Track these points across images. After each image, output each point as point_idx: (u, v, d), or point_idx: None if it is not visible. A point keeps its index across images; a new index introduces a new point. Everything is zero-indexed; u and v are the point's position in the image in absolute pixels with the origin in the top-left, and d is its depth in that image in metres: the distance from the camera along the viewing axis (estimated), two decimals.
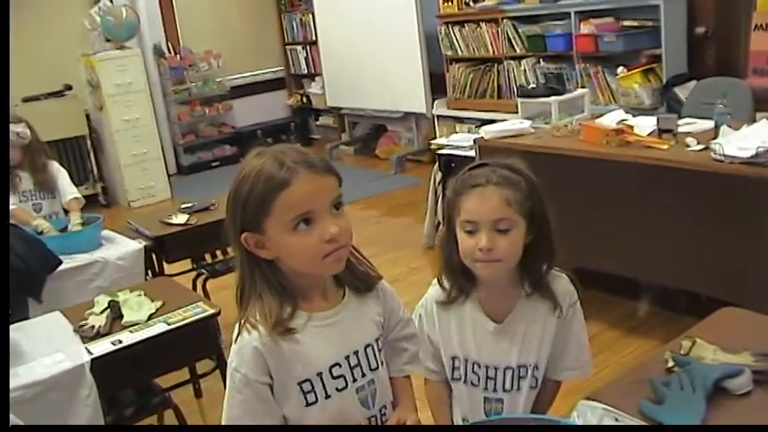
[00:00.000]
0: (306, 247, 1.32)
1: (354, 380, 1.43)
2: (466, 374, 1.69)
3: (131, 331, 2.37)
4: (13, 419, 1.77)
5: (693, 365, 1.64)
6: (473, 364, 1.67)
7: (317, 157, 1.35)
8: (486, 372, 1.66)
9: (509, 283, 1.65)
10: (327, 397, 1.39)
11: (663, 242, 3.29)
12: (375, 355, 1.46)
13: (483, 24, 6.28)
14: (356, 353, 1.43)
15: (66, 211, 3.71)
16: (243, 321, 1.36)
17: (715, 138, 3.18)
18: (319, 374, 1.38)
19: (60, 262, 3.12)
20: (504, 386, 1.66)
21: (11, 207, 3.47)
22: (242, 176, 1.33)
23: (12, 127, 3.57)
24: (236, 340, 1.37)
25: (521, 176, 1.60)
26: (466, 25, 6.45)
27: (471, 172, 1.60)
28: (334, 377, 1.40)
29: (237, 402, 1.35)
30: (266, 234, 1.33)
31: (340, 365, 1.40)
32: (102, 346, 2.29)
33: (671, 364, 1.69)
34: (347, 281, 1.46)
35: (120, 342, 2.31)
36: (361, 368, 1.44)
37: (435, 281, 1.71)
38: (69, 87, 7.22)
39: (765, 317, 1.94)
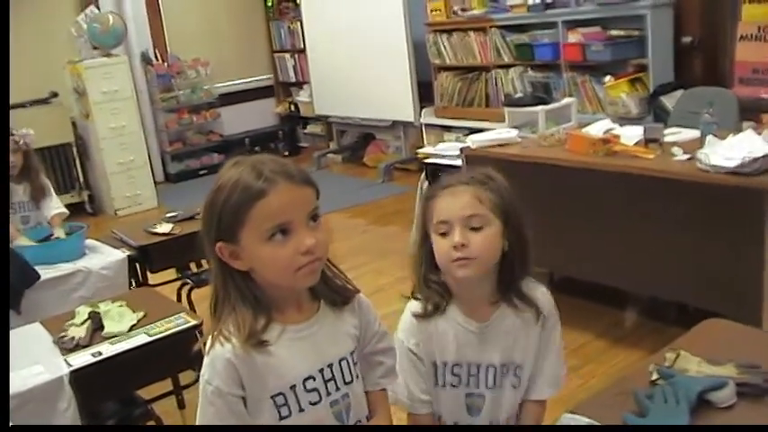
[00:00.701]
0: (280, 258, 1.30)
1: (329, 393, 1.41)
2: (445, 378, 1.65)
3: (112, 343, 2.35)
4: None
5: (677, 378, 1.63)
6: (453, 366, 1.64)
7: (296, 168, 1.34)
8: (468, 369, 1.64)
9: (488, 292, 1.62)
10: (301, 410, 1.37)
11: (649, 252, 3.29)
12: (350, 369, 1.44)
13: (471, 33, 6.28)
14: (330, 366, 1.41)
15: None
16: (216, 333, 1.34)
17: (701, 147, 3.17)
18: (293, 387, 1.36)
19: (38, 277, 3.08)
20: (486, 383, 1.64)
21: None
22: (218, 186, 1.32)
23: (24, 131, 3.55)
24: (208, 352, 1.34)
25: (493, 180, 1.60)
26: (454, 33, 6.45)
27: (442, 178, 1.64)
28: (307, 390, 1.38)
29: (210, 415, 1.33)
30: (241, 244, 1.31)
31: (314, 379, 1.39)
32: (82, 358, 2.26)
33: (655, 376, 1.67)
34: (322, 294, 1.44)
35: (101, 354, 2.28)
36: (336, 382, 1.42)
37: (410, 299, 1.67)
38: (55, 94, 7.17)
39: (750, 328, 1.94)
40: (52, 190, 3.78)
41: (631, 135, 3.58)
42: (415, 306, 1.64)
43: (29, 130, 3.59)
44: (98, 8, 7.26)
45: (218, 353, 1.32)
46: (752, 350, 1.78)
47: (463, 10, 6.40)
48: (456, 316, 1.62)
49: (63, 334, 2.39)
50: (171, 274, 3.90)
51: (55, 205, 3.71)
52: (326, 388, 1.40)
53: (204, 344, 1.37)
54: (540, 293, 1.67)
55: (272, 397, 1.35)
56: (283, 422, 1.36)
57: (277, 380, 1.35)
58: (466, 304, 1.63)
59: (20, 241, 3.36)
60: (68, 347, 2.32)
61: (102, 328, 2.43)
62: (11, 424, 1.68)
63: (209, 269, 1.40)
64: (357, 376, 1.46)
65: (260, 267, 1.33)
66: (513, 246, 1.59)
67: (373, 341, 1.52)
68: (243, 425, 1.34)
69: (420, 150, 4.93)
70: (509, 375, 1.64)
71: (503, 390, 1.65)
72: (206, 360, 1.34)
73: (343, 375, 1.43)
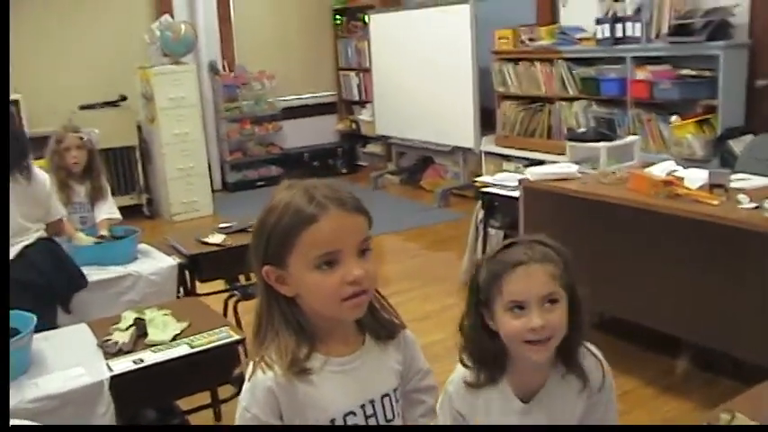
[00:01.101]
0: (326, 287, 1.27)
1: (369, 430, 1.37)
2: None
3: (154, 351, 2.34)
4: None
5: None
6: None
7: (349, 195, 1.32)
8: None
9: (545, 364, 1.56)
10: None
11: (707, 301, 3.18)
12: (392, 406, 1.41)
13: (537, 63, 6.23)
14: (372, 402, 1.38)
15: None
16: (258, 360, 1.32)
17: None
18: (332, 421, 1.33)
19: (85, 284, 3.12)
20: None
21: (64, 219, 3.45)
22: (270, 207, 1.31)
23: (89, 130, 3.64)
24: (249, 378, 1.32)
25: (557, 252, 1.54)
26: (520, 63, 6.41)
27: (506, 251, 1.53)
28: (348, 426, 1.34)
29: None
30: (288, 270, 1.30)
31: (355, 414, 1.35)
32: (124, 364, 2.26)
33: None
34: (369, 326, 1.42)
35: (142, 361, 2.28)
36: (377, 418, 1.38)
37: (460, 365, 1.61)
38: (124, 98, 7.34)
39: None
40: (110, 193, 3.84)
41: (695, 178, 3.47)
42: (467, 374, 1.59)
43: (94, 129, 3.67)
44: (172, 17, 7.42)
45: (260, 380, 1.30)
46: None
47: (531, 40, 6.35)
48: (505, 388, 1.57)
49: (107, 338, 2.40)
50: (219, 284, 3.91)
51: (108, 209, 3.77)
52: (367, 424, 1.37)
53: (246, 368, 1.35)
54: (592, 362, 1.59)
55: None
56: None
57: (318, 413, 1.32)
58: (518, 375, 1.57)
59: (78, 240, 3.41)
60: (111, 352, 2.33)
61: (145, 335, 2.44)
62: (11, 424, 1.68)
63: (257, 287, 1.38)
64: (399, 414, 1.43)
65: (306, 294, 1.31)
66: (573, 314, 1.53)
67: (416, 378, 1.49)
68: (251, 425, 1.30)
69: (478, 179, 4.88)
70: None
71: None
72: (246, 386, 1.32)
73: (384, 412, 1.39)
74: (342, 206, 1.28)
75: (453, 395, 1.60)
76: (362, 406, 1.36)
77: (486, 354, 1.55)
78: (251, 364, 1.33)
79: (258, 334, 1.35)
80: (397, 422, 1.42)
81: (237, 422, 1.32)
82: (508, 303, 1.48)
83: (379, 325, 1.42)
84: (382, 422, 1.39)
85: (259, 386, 1.30)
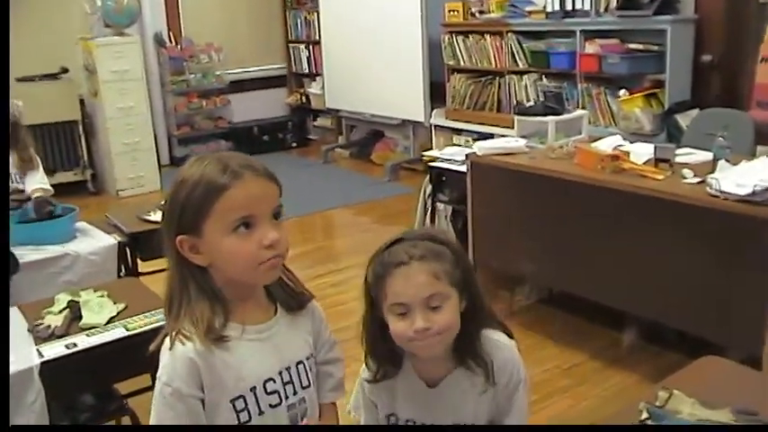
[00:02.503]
0: (243, 251, 1.30)
1: (287, 397, 1.40)
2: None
3: (88, 335, 2.27)
4: None
5: (668, 420, 1.55)
6: (405, 421, 1.55)
7: (261, 164, 1.35)
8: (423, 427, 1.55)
9: (443, 356, 1.50)
10: (261, 413, 1.35)
11: (651, 274, 3.20)
12: (307, 373, 1.44)
13: (487, 36, 6.19)
14: (288, 369, 1.41)
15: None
16: (175, 333, 1.30)
17: (712, 171, 3.09)
18: (253, 389, 1.34)
19: (17, 268, 3.00)
20: None
21: None
22: (181, 179, 1.32)
23: (13, 101, 3.50)
24: (166, 352, 1.31)
25: (444, 245, 1.46)
26: (470, 36, 6.36)
27: (390, 250, 1.45)
28: (268, 393, 1.36)
29: (168, 419, 1.28)
30: (203, 237, 1.30)
31: (274, 381, 1.38)
32: (55, 349, 2.18)
33: (645, 415, 1.59)
34: (279, 297, 1.44)
35: (75, 345, 2.20)
36: (293, 385, 1.41)
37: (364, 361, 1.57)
38: (66, 70, 7.12)
39: (750, 369, 1.85)
40: (41, 165, 3.71)
41: (642, 153, 3.49)
42: (366, 374, 1.56)
43: (17, 101, 3.52)
44: None
45: (179, 352, 1.29)
46: (750, 394, 1.69)
47: (481, 12, 6.31)
48: (409, 374, 1.53)
49: (39, 322, 2.32)
50: (163, 263, 3.82)
51: (40, 180, 3.64)
52: (285, 391, 1.39)
53: (161, 344, 1.33)
54: (501, 356, 1.52)
55: (231, 401, 1.32)
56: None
57: (237, 381, 1.32)
58: (419, 365, 1.52)
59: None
60: (43, 336, 2.24)
61: (80, 318, 2.36)
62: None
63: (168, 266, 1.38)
64: (313, 382, 1.46)
65: (221, 261, 1.32)
66: (468, 305, 1.47)
67: (323, 350, 1.52)
68: (248, 425, 1.33)
69: (426, 153, 4.85)
70: None
71: None
72: (164, 360, 1.31)
73: (300, 379, 1.42)
74: (255, 173, 1.31)
75: (365, 385, 1.58)
76: (280, 372, 1.39)
77: (382, 350, 1.51)
78: (167, 338, 1.32)
79: (172, 307, 1.35)
80: (312, 390, 1.46)
81: (157, 398, 1.30)
82: (391, 306, 1.42)
83: (288, 295, 1.45)
84: (298, 388, 1.42)
85: (179, 358, 1.28)
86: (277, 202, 1.34)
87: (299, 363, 1.42)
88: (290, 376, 1.40)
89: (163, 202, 1.37)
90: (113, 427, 2.28)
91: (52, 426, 2.08)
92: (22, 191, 3.57)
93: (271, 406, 1.36)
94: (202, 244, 1.31)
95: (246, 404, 1.33)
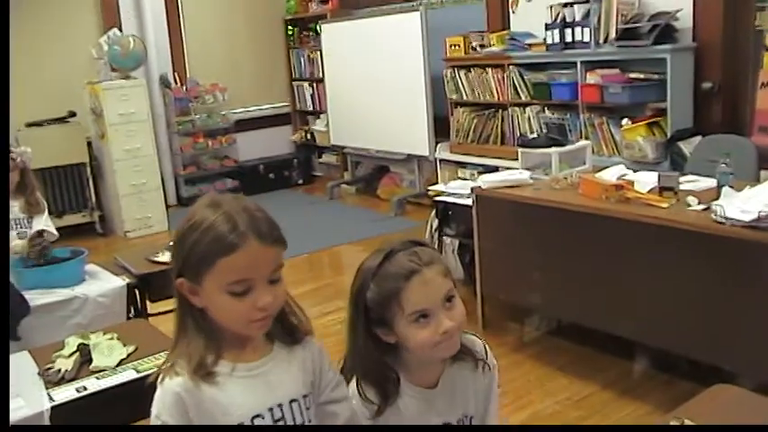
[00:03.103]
0: (235, 310, 1.33)
1: None
2: None
3: (98, 378, 2.27)
4: None
5: None
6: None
7: (268, 225, 1.36)
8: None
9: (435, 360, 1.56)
10: None
11: (659, 304, 3.20)
12: (301, 413, 1.42)
13: (489, 70, 6.24)
14: (280, 406, 1.40)
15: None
16: (167, 367, 1.35)
17: (717, 198, 3.10)
18: (240, 425, 1.35)
19: (28, 311, 3.03)
20: None
21: None
22: (192, 223, 1.34)
23: (22, 149, 3.55)
24: (159, 385, 1.34)
25: (430, 248, 1.55)
26: (472, 70, 6.41)
27: (389, 263, 1.47)
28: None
29: None
30: (202, 286, 1.34)
31: (263, 417, 1.38)
32: (66, 393, 2.19)
33: None
34: (276, 334, 1.45)
35: (85, 389, 2.21)
36: (285, 422, 1.40)
37: (357, 394, 1.52)
38: (73, 114, 7.21)
39: (761, 397, 1.84)
40: (46, 208, 3.74)
41: (646, 182, 3.51)
42: (366, 412, 1.51)
43: (26, 148, 3.58)
44: (120, 30, 7.31)
45: (168, 387, 1.32)
46: (763, 422, 1.69)
47: (482, 46, 6.37)
48: (407, 389, 1.54)
49: (49, 366, 2.32)
50: (171, 303, 3.83)
51: (44, 222, 3.66)
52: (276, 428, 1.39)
53: (156, 377, 1.37)
54: (477, 344, 1.63)
55: None
56: None
57: (224, 416, 1.34)
58: (414, 374, 1.55)
59: (13, 243, 3.32)
60: (53, 380, 2.25)
61: (90, 361, 2.37)
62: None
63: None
64: (309, 421, 1.44)
65: (214, 311, 1.36)
66: None
67: (327, 389, 1.49)
68: (250, 426, 1.35)
69: (431, 188, 4.87)
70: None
71: None
72: (157, 393, 1.34)
73: (294, 418, 1.41)
74: (261, 238, 1.32)
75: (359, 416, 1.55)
76: (270, 409, 1.39)
77: (383, 371, 1.52)
78: (162, 371, 1.36)
79: (174, 341, 1.40)
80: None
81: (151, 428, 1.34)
82: (412, 315, 1.44)
83: (285, 330, 1.46)
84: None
85: (167, 393, 1.32)
86: (277, 264, 1.36)
87: (292, 401, 1.41)
88: (282, 414, 1.39)
89: (172, 240, 1.40)
90: (113, 427, 2.27)
91: (52, 426, 2.08)
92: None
93: None
94: (200, 291, 1.34)
95: None
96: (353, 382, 1.54)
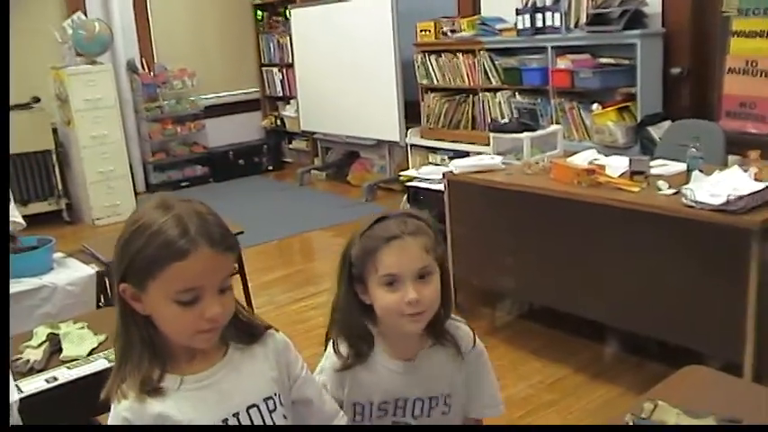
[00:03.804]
0: (182, 320, 1.25)
1: None
2: (372, 412, 1.59)
3: (69, 367, 2.24)
4: None
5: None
6: (379, 404, 1.59)
7: (220, 231, 1.27)
8: (396, 403, 1.59)
9: (417, 335, 1.58)
10: None
11: (630, 287, 3.23)
12: (262, 418, 1.34)
13: (460, 55, 6.23)
14: (237, 415, 1.32)
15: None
16: (116, 387, 1.27)
17: (687, 182, 3.13)
18: (226, 425, 1.29)
19: None
20: (413, 413, 1.60)
21: None
22: (137, 226, 1.25)
23: None
24: (111, 406, 1.28)
25: (428, 225, 1.55)
26: (443, 55, 6.40)
27: (379, 225, 1.52)
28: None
29: None
30: (146, 293, 1.25)
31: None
32: (35, 384, 2.15)
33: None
34: (230, 336, 1.36)
35: (56, 379, 2.17)
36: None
37: (331, 348, 1.58)
38: (37, 100, 7.08)
39: (732, 377, 1.87)
40: (12, 198, 3.67)
41: (617, 166, 3.53)
42: (335, 362, 1.56)
43: None
44: (85, 14, 7.17)
45: (116, 412, 1.26)
46: (733, 402, 1.71)
47: (452, 31, 6.36)
48: (382, 360, 1.57)
49: (18, 356, 2.28)
50: None
51: (11, 213, 3.59)
52: None
53: (108, 392, 1.30)
54: (463, 332, 1.64)
55: None
56: None
57: None
58: (392, 347, 1.58)
59: None
60: (22, 371, 2.21)
61: (60, 350, 2.33)
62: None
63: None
64: (277, 423, 1.36)
65: (159, 320, 1.27)
66: (442, 289, 1.55)
67: (295, 386, 1.43)
68: (249, 426, 1.30)
69: (403, 173, 4.87)
70: (439, 406, 1.61)
71: (431, 418, 1.61)
72: (110, 415, 1.28)
73: (253, 424, 1.33)
74: (213, 244, 1.24)
75: (327, 383, 1.57)
76: (224, 420, 1.30)
77: (358, 329, 1.56)
78: (109, 392, 1.29)
79: (117, 353, 1.32)
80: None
81: None
82: (383, 277, 1.48)
83: (238, 330, 1.38)
84: None
85: (116, 418, 1.26)
86: (228, 272, 1.29)
87: (250, 407, 1.33)
88: (239, 422, 1.31)
89: (116, 242, 1.29)
90: (112, 427, 2.24)
91: (52, 426, 2.05)
92: None
93: None
94: (144, 297, 1.25)
95: None
96: (330, 344, 1.58)
